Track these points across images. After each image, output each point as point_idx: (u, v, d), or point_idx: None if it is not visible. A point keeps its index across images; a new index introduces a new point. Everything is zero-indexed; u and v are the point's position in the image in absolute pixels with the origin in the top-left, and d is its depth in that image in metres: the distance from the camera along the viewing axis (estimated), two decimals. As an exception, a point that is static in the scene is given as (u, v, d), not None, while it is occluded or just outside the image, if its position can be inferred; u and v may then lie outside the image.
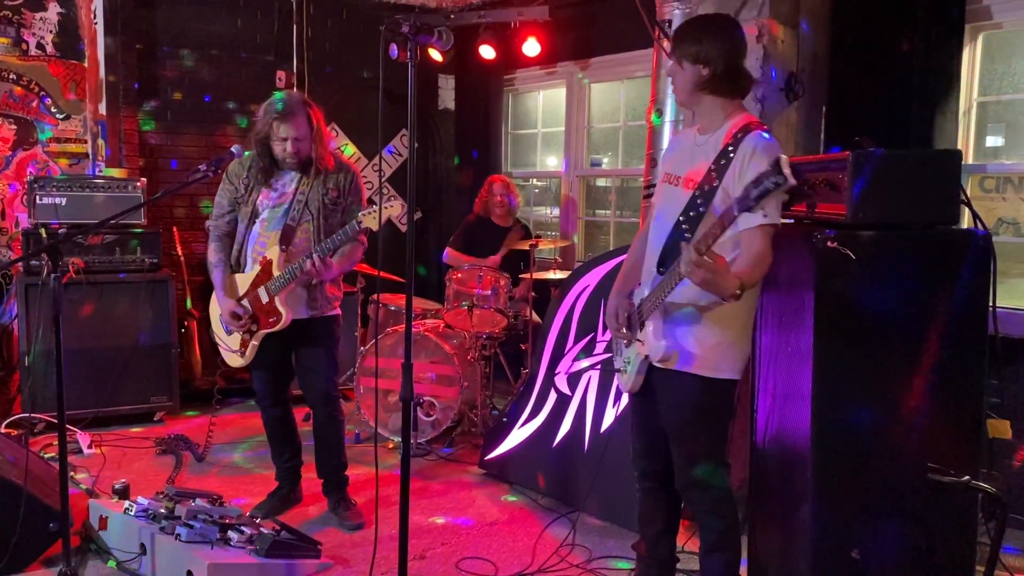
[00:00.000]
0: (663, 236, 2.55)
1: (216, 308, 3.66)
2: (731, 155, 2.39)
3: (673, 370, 2.54)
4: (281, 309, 3.50)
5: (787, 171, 2.06)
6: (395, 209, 3.42)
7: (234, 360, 3.68)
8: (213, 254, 3.61)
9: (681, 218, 2.47)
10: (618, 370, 2.78)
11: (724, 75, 2.46)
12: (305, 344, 3.66)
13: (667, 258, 2.49)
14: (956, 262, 2.48)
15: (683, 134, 2.75)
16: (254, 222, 3.55)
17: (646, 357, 2.57)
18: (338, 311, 3.72)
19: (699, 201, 2.43)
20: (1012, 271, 4.22)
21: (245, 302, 3.55)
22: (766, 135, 2.42)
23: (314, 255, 3.38)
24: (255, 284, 3.53)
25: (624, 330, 2.65)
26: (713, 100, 2.51)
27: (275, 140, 3.45)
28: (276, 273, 3.48)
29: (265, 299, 3.51)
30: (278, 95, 3.52)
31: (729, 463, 2.67)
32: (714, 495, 2.62)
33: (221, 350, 3.73)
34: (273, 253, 3.49)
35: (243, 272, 3.60)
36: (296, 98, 3.49)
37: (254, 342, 3.57)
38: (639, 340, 2.61)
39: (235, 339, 3.64)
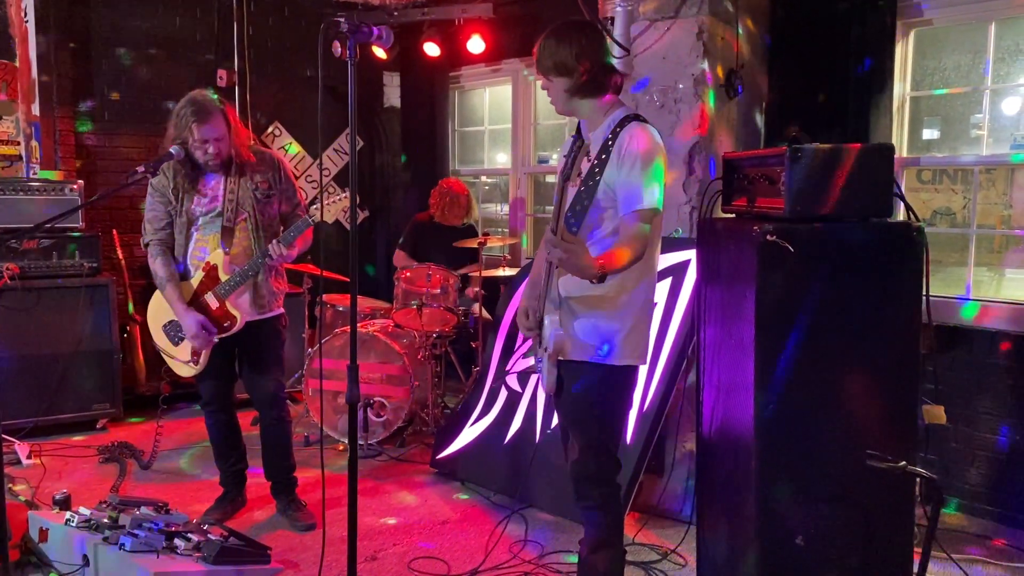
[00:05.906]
0: None
1: (157, 320, 3.58)
2: (610, 148, 2.48)
3: (574, 360, 2.59)
4: (234, 312, 3.46)
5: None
6: (346, 202, 3.35)
7: (186, 371, 3.59)
8: (162, 268, 3.46)
9: (569, 213, 2.54)
10: (539, 371, 2.82)
11: (593, 77, 2.53)
12: (252, 346, 3.60)
13: None
14: (890, 253, 2.55)
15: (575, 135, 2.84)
16: (191, 230, 3.48)
17: (546, 350, 2.61)
18: (282, 309, 3.67)
19: (584, 195, 2.51)
20: (947, 260, 4.34)
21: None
22: (643, 125, 2.50)
23: (277, 243, 3.39)
24: (200, 291, 3.47)
25: (533, 328, 2.71)
26: (590, 103, 2.59)
27: (195, 145, 3.35)
28: (224, 277, 3.43)
29: (215, 304, 3.46)
30: (188, 99, 3.37)
31: (620, 460, 2.70)
32: (604, 490, 2.65)
33: (169, 362, 3.64)
34: (216, 257, 3.45)
35: (186, 281, 3.51)
36: (208, 98, 3.37)
37: (206, 349, 3.50)
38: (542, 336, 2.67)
39: (183, 349, 3.54)
